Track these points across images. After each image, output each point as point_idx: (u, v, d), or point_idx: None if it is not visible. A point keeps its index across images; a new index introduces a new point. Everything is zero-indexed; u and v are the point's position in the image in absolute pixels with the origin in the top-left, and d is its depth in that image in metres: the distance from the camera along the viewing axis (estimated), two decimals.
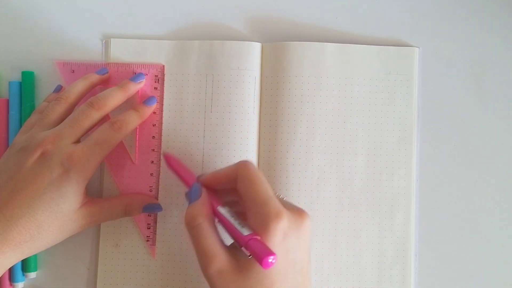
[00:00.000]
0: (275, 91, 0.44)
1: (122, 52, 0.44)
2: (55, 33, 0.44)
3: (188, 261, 0.43)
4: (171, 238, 0.43)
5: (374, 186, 0.44)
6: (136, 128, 0.42)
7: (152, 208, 0.42)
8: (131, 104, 0.42)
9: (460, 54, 0.45)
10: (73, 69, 0.44)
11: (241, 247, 0.33)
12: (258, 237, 0.33)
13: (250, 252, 0.33)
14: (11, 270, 0.43)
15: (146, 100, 0.42)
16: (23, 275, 0.43)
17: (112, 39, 0.44)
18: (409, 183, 0.44)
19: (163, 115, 0.43)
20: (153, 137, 0.43)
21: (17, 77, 0.44)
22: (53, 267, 0.43)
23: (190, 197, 0.37)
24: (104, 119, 0.40)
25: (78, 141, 0.38)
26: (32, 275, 0.43)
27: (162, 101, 0.43)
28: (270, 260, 0.32)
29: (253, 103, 0.44)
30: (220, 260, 0.34)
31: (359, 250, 0.43)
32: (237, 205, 0.38)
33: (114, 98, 0.40)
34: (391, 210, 0.44)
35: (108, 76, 0.43)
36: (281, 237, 0.34)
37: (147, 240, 0.43)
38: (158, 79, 0.43)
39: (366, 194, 0.44)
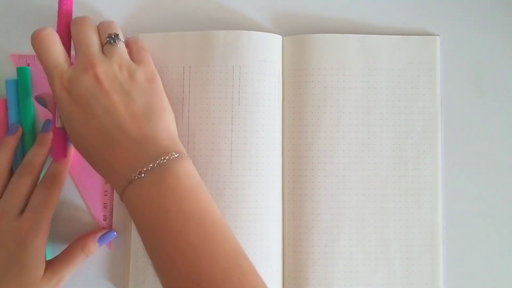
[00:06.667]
0: (297, 84, 0.44)
1: (150, 47, 0.42)
2: None
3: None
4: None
5: (400, 176, 0.44)
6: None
7: (105, 237, 0.43)
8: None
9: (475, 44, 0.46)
10: (28, 63, 0.43)
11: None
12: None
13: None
14: None
15: None
16: None
17: (140, 34, 0.43)
18: (435, 171, 0.44)
19: (189, 108, 0.43)
20: None
21: (14, 75, 0.44)
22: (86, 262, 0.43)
23: None
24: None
25: (22, 211, 0.39)
26: None
27: None
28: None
29: (278, 96, 0.44)
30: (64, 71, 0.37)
31: (387, 240, 0.43)
32: None
33: (39, 157, 0.41)
34: (418, 199, 0.44)
35: (21, 130, 0.42)
36: (65, 94, 0.36)
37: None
38: None
39: (392, 184, 0.44)
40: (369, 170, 0.44)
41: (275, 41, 0.44)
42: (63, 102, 0.36)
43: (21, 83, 0.43)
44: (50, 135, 0.42)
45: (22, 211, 0.39)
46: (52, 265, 0.40)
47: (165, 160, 0.34)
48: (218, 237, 0.33)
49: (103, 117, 0.36)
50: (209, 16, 0.45)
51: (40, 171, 0.41)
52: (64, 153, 0.40)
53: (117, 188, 0.36)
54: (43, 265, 0.39)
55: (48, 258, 0.41)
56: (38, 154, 0.41)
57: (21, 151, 0.43)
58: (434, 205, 0.44)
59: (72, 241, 0.42)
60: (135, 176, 0.34)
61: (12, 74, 0.43)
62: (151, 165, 0.34)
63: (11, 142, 0.42)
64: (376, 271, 0.43)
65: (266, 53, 0.43)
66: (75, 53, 0.38)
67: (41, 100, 0.42)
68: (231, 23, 0.45)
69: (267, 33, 0.44)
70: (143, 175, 0.34)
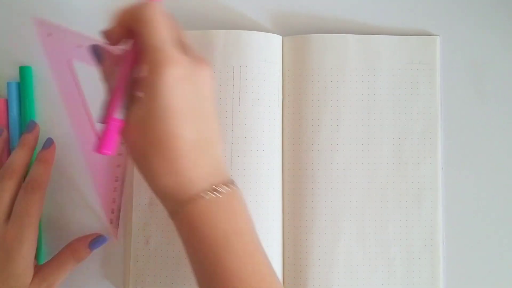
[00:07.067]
0: (297, 84, 0.44)
1: None
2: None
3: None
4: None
5: (400, 176, 0.44)
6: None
7: (97, 242, 0.42)
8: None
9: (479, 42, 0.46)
10: (51, 32, 0.42)
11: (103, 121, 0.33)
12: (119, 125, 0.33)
13: (102, 134, 0.33)
14: None
15: (44, 143, 0.42)
16: None
17: None
18: (435, 172, 0.44)
19: None
20: None
21: (16, 74, 0.43)
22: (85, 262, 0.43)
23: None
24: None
25: (8, 217, 0.38)
26: None
27: None
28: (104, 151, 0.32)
29: (278, 96, 0.44)
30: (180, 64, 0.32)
31: (387, 240, 0.43)
32: None
33: (21, 159, 0.40)
34: (418, 199, 0.44)
35: (6, 134, 0.42)
36: (173, 84, 0.31)
37: (111, 223, 0.43)
38: None
39: (392, 185, 0.44)
40: (369, 170, 0.44)
41: (275, 41, 0.44)
42: (168, 89, 0.31)
43: (23, 83, 0.43)
44: (33, 136, 0.41)
45: (9, 216, 0.38)
46: (41, 272, 0.39)
47: (233, 184, 0.35)
48: (269, 262, 0.35)
49: (208, 124, 0.34)
50: (209, 16, 0.45)
51: (24, 174, 0.40)
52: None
53: (176, 200, 0.33)
54: (31, 273, 0.38)
55: (46, 259, 0.41)
56: (20, 156, 0.40)
57: None
58: (434, 205, 0.44)
59: (64, 246, 0.41)
60: (211, 192, 0.33)
61: (14, 75, 0.43)
62: (228, 185, 0.34)
63: None
64: (376, 271, 0.43)
65: (266, 53, 0.43)
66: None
67: (98, 53, 0.35)
68: (231, 23, 0.45)
69: (267, 33, 0.44)
70: (220, 195, 0.33)
